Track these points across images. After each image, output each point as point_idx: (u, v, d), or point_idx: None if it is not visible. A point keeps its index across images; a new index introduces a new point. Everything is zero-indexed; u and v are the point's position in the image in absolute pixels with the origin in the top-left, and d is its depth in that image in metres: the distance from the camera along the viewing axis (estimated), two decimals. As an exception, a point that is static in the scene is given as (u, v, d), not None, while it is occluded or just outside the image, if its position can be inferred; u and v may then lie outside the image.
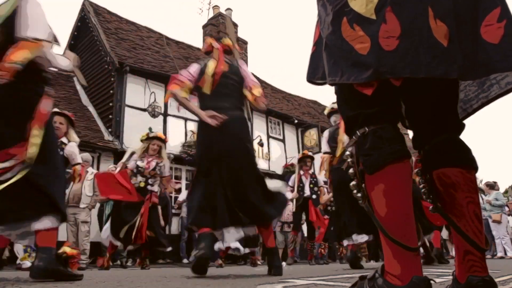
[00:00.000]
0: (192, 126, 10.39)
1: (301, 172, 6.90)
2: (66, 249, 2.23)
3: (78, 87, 11.36)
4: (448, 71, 0.97)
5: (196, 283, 2.04)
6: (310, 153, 7.29)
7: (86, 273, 3.08)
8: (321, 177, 6.44)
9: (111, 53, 9.59)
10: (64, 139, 4.23)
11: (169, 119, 9.95)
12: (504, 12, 1.02)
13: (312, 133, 13.38)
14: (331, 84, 1.15)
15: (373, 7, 1.02)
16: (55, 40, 2.34)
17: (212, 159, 2.78)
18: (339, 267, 4.91)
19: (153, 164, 5.09)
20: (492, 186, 9.26)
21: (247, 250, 3.87)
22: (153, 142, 5.27)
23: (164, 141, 5.42)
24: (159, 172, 5.15)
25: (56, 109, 4.10)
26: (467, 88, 1.20)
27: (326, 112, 4.92)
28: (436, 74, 0.96)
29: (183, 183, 9.92)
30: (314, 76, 1.25)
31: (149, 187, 5.06)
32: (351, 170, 1.11)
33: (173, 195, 9.05)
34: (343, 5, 1.07)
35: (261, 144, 11.38)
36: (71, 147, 4.24)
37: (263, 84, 15.56)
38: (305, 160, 6.97)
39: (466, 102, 1.20)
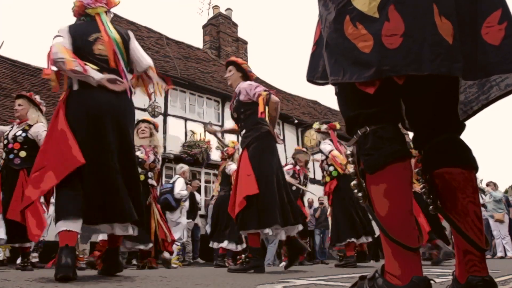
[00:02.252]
0: (192, 126, 10.39)
1: (297, 167, 6.70)
2: None
3: (78, 87, 11.34)
4: (452, 69, 0.97)
5: (196, 283, 2.04)
6: (304, 149, 7.09)
7: (86, 273, 3.09)
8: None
9: (111, 53, 9.57)
10: (29, 122, 4.11)
11: (169, 119, 9.95)
12: (505, 14, 1.02)
13: (312, 133, 13.36)
14: (333, 84, 1.15)
15: (376, 5, 1.02)
16: None
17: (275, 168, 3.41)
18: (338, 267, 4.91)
19: (151, 156, 4.57)
20: (496, 184, 9.42)
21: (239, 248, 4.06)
22: (139, 126, 4.68)
23: (154, 124, 4.86)
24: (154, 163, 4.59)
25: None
26: (467, 90, 1.20)
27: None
28: (440, 71, 0.96)
29: (183, 183, 9.91)
30: (314, 76, 1.25)
31: (149, 181, 4.56)
32: (352, 170, 1.11)
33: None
34: (346, 3, 1.06)
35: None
36: (37, 128, 4.07)
37: (263, 84, 15.56)
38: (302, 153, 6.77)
39: (467, 104, 1.20)
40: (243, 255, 3.45)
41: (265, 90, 3.34)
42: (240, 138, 3.62)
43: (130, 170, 2.39)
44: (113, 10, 2.86)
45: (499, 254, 8.77)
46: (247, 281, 2.19)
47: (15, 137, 4.02)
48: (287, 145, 13.23)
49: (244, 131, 3.45)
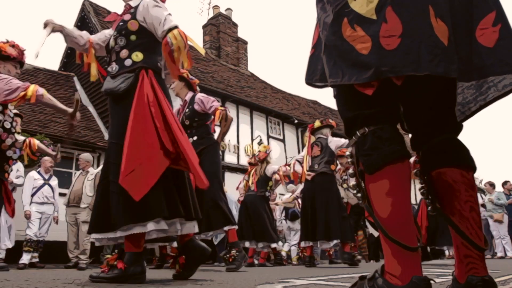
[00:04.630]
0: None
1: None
2: None
3: (78, 86, 11.36)
4: (448, 70, 0.97)
5: (197, 283, 2.04)
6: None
7: (86, 273, 3.09)
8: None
9: (111, 53, 9.56)
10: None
11: (169, 119, 9.92)
12: (499, 16, 1.03)
13: (312, 133, 13.36)
14: (332, 86, 1.15)
15: (373, 7, 1.02)
16: None
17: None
18: (338, 267, 4.92)
19: None
20: (493, 185, 9.30)
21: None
22: None
23: None
24: None
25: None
26: (464, 91, 1.21)
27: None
28: (437, 72, 0.97)
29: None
30: (313, 78, 1.25)
31: None
32: (350, 170, 1.12)
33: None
34: (343, 5, 1.07)
35: (261, 144, 11.40)
36: None
37: (263, 84, 15.55)
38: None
39: (464, 105, 1.21)
40: (233, 252, 3.49)
41: (221, 106, 3.76)
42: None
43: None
44: (114, 11, 2.74)
45: (499, 254, 8.77)
46: (247, 281, 2.19)
47: None
48: (287, 145, 13.24)
49: (196, 138, 3.81)
